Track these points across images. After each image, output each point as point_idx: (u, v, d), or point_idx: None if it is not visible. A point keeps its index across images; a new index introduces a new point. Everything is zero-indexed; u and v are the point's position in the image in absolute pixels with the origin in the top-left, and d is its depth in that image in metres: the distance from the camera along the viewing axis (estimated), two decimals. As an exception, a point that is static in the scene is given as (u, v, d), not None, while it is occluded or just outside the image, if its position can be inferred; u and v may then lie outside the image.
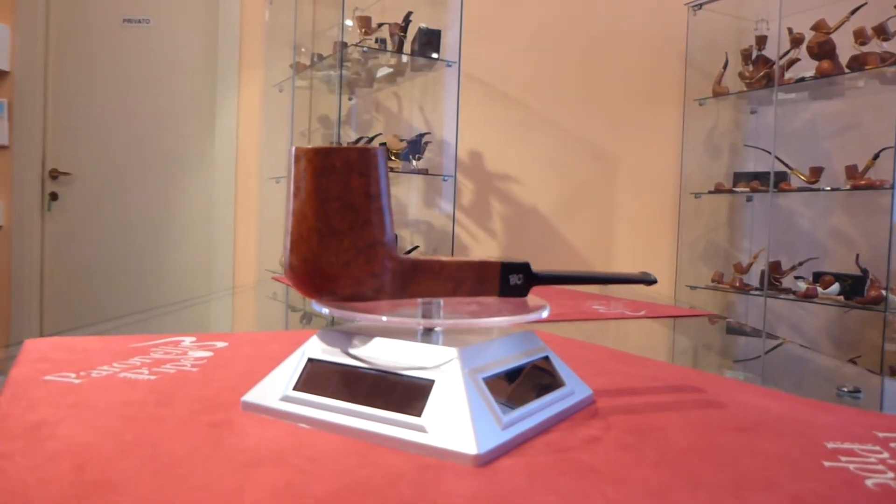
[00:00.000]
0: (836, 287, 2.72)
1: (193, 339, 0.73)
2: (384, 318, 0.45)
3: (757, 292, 2.89)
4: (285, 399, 0.46)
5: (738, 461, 0.40)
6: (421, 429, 0.41)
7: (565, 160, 3.20)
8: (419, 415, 0.41)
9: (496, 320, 0.47)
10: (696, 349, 0.96)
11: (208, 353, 0.65)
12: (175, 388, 0.52)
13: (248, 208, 3.30)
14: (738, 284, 2.97)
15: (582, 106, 3.18)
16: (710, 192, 3.06)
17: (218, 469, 0.36)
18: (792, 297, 2.74)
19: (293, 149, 0.48)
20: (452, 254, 3.09)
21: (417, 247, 3.09)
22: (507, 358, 0.47)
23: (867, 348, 2.87)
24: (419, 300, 0.50)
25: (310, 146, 0.47)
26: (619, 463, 0.39)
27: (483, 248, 3.20)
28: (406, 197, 3.28)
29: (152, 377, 0.55)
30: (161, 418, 0.45)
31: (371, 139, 3.07)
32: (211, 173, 3.33)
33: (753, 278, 3.01)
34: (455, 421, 0.40)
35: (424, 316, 0.50)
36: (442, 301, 0.50)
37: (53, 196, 3.30)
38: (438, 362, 0.43)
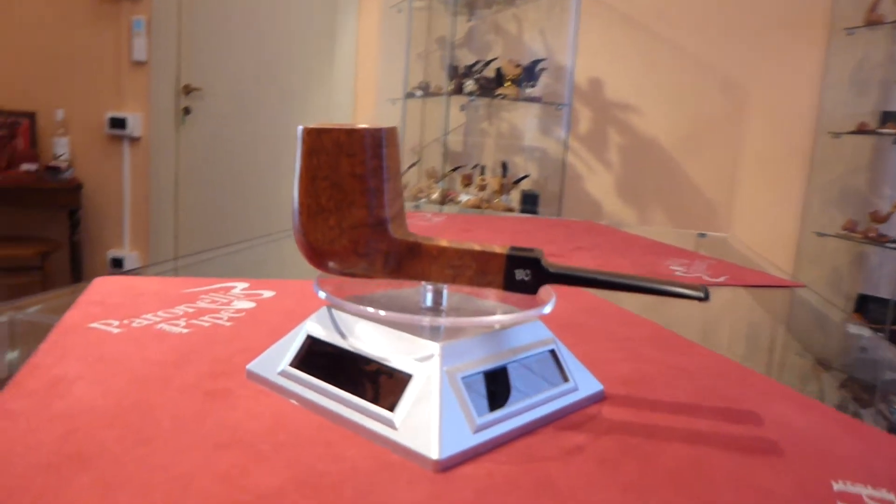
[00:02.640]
0: None
1: (246, 285, 0.76)
2: (370, 310, 0.45)
3: (894, 245, 2.66)
4: (282, 374, 0.48)
5: (718, 497, 0.38)
6: (391, 424, 0.41)
7: (691, 91, 3.01)
8: (392, 409, 0.41)
9: (477, 320, 0.46)
10: (764, 332, 0.90)
11: (250, 305, 0.68)
12: (199, 346, 0.55)
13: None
14: (872, 235, 2.73)
15: (713, 32, 2.95)
16: (851, 133, 2.79)
17: (187, 448, 0.38)
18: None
19: (300, 127, 0.48)
20: (563, 184, 3.03)
21: (527, 175, 3.04)
22: (499, 354, 0.46)
23: None
24: (423, 283, 0.50)
25: (307, 126, 0.47)
26: (586, 482, 0.38)
27: (597, 179, 3.11)
28: (522, 123, 3.22)
29: (185, 331, 0.58)
30: (168, 381, 0.47)
31: (487, 63, 3.01)
32: (330, 93, 3.39)
33: (892, 229, 2.76)
34: (424, 421, 0.40)
35: (425, 301, 0.50)
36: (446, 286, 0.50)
37: (186, 110, 3.48)
38: (420, 356, 0.43)
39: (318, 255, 0.48)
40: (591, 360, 0.59)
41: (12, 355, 0.58)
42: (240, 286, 0.75)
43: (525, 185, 3.01)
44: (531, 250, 0.47)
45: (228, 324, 0.61)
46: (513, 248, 0.47)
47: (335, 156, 0.47)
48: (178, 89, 3.44)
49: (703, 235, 1.61)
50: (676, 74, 3.01)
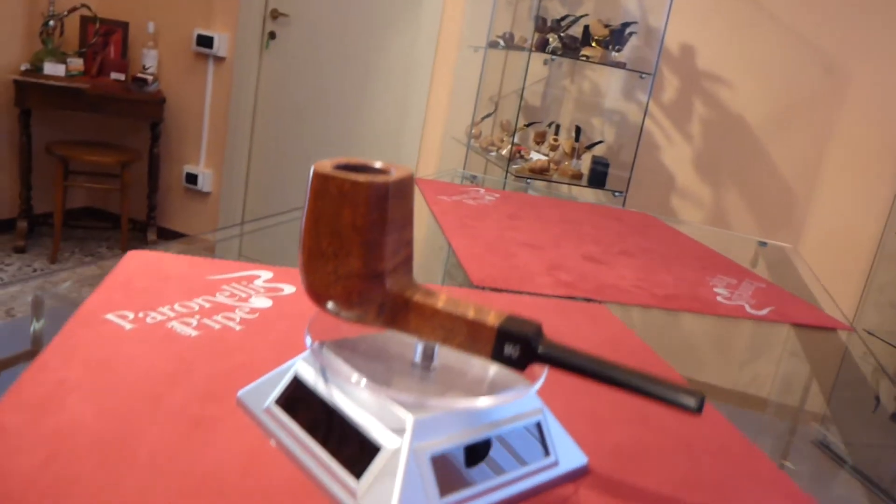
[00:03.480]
0: None
1: (270, 275, 0.77)
2: (353, 379, 0.45)
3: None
4: (267, 411, 0.49)
5: None
6: (354, 494, 0.41)
7: (788, 68, 2.83)
8: (358, 477, 0.42)
9: (455, 403, 0.45)
10: (799, 373, 0.87)
11: (267, 304, 0.69)
12: (202, 355, 0.56)
13: (443, 74, 3.30)
14: (963, 246, 2.57)
15: (820, 6, 2.75)
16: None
17: (154, 493, 0.40)
18: None
19: (312, 167, 0.48)
20: (636, 152, 2.94)
21: (601, 142, 2.96)
22: (478, 428, 0.45)
23: None
24: (416, 340, 0.50)
25: (317, 169, 0.47)
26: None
27: (673, 150, 3.00)
28: (604, 84, 3.11)
29: (195, 333, 0.60)
30: (160, 401, 0.49)
31: (576, 19, 2.90)
32: (414, 35, 3.34)
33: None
34: (384, 497, 0.40)
35: (415, 355, 0.50)
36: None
37: (272, 35, 3.49)
38: (394, 426, 0.43)
39: (315, 296, 0.48)
40: (589, 419, 0.58)
41: (37, 325, 0.62)
42: (263, 276, 0.77)
43: (597, 150, 2.93)
44: (529, 324, 0.46)
45: (239, 328, 0.63)
46: (509, 319, 0.46)
47: (338, 204, 0.46)
48: (266, 13, 3.45)
49: (763, 244, 1.54)
50: (773, 48, 2.84)
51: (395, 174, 0.48)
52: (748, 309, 0.97)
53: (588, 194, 3.08)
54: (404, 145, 3.39)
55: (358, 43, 3.42)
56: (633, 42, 2.89)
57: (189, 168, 3.63)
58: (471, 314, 0.47)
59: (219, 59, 3.52)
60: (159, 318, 0.62)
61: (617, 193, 2.87)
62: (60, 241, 3.28)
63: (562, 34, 2.83)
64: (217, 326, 0.62)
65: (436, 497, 0.42)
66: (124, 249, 3.31)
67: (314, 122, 3.52)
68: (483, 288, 0.87)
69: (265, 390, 0.50)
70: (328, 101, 3.49)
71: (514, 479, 0.46)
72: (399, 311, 0.48)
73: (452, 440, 0.44)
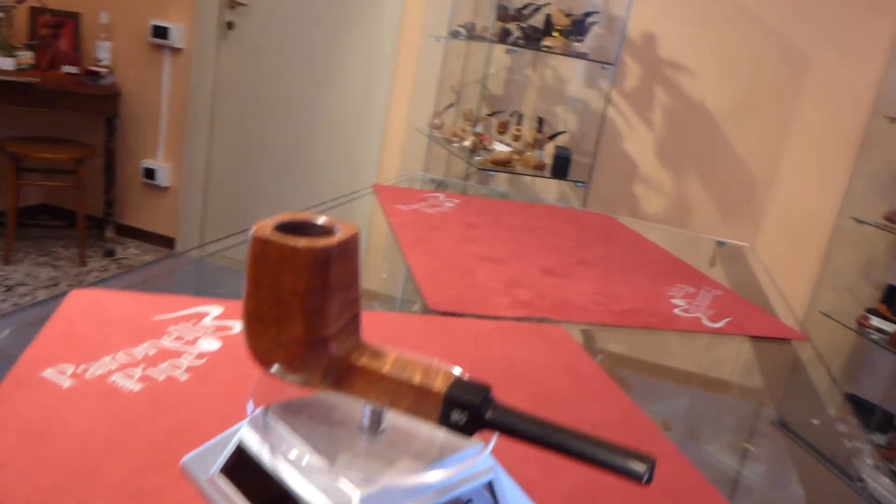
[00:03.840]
0: None
1: (220, 311, 0.75)
2: (296, 455, 0.44)
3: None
4: (210, 482, 0.47)
5: None
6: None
7: (748, 56, 2.85)
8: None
9: (404, 477, 0.44)
10: (753, 381, 0.88)
11: (216, 346, 0.68)
12: (146, 414, 0.55)
13: (406, 64, 3.27)
14: (915, 230, 2.63)
15: (779, -6, 2.77)
16: (909, 122, 2.64)
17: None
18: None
19: (252, 228, 0.46)
20: (598, 142, 2.94)
21: (563, 132, 2.96)
22: (430, 496, 0.45)
23: None
24: (364, 404, 0.49)
25: (257, 234, 0.45)
26: None
27: (636, 138, 3.01)
28: (566, 73, 3.11)
29: (138, 387, 0.58)
30: (98, 474, 0.47)
31: (538, 8, 2.88)
32: (377, 24, 3.30)
33: (936, 226, 2.64)
34: (328, 581, 0.39)
35: (363, 418, 0.49)
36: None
37: (230, 25, 3.42)
38: (341, 503, 0.42)
39: (258, 360, 0.47)
40: (541, 464, 0.58)
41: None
42: (213, 312, 0.75)
43: (560, 140, 2.93)
44: (477, 388, 0.45)
45: (185, 377, 0.61)
46: (456, 385, 0.45)
47: (278, 269, 0.45)
48: (223, 2, 3.37)
49: (722, 244, 1.56)
50: (734, 37, 2.86)
51: (339, 235, 0.46)
52: (705, 321, 0.98)
53: (551, 185, 3.08)
54: (367, 136, 3.36)
55: (319, 32, 3.36)
56: (595, 31, 2.88)
57: (147, 163, 3.55)
58: (417, 379, 0.46)
59: (175, 51, 3.43)
60: (100, 371, 0.60)
61: (579, 184, 2.87)
62: (14, 241, 3.19)
63: (523, 25, 2.82)
64: (161, 377, 0.61)
65: (382, 577, 0.41)
66: (81, 247, 3.24)
67: (275, 113, 3.46)
68: (440, 312, 0.87)
69: (210, 458, 0.49)
70: (289, 91, 3.43)
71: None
72: (344, 374, 0.47)
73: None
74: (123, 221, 3.66)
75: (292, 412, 0.49)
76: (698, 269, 1.27)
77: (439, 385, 0.45)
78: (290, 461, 0.45)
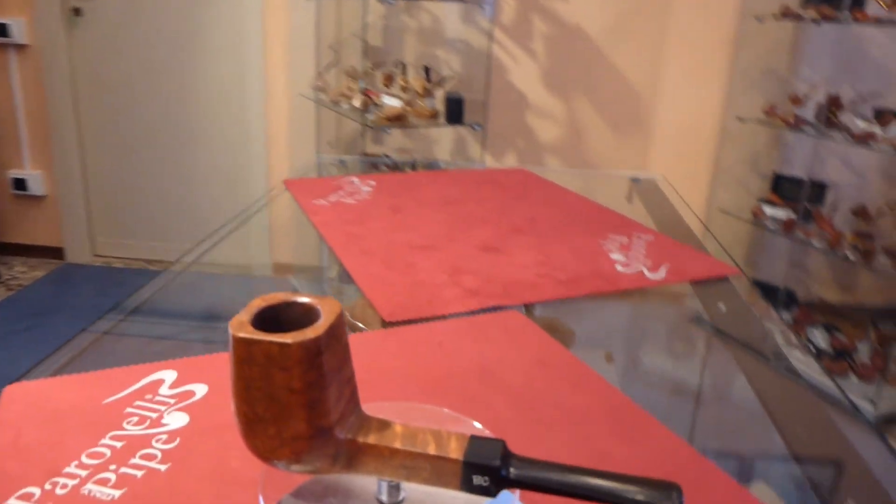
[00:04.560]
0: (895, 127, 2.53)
1: (174, 376, 0.71)
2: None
3: (811, 130, 2.71)
4: None
5: None
6: None
7: (617, -25, 2.88)
8: None
9: None
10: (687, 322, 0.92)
11: (183, 420, 0.64)
12: (135, 526, 0.51)
13: (275, 26, 3.11)
14: (790, 119, 2.78)
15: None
16: (774, 16, 2.75)
17: None
18: (847, 137, 2.57)
19: (229, 330, 0.43)
20: (487, 80, 2.92)
21: (451, 76, 2.92)
22: None
23: (921, 198, 2.74)
24: (378, 479, 0.47)
25: (235, 334, 0.42)
26: None
27: (524, 69, 3.01)
28: (444, 16, 3.05)
29: (117, 493, 0.54)
30: None
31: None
32: (232, -11, 3.11)
33: (809, 112, 2.81)
34: None
35: (380, 493, 0.47)
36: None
37: (77, 11, 3.14)
38: None
39: (261, 458, 0.45)
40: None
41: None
42: (167, 378, 0.70)
43: (449, 85, 2.89)
44: (493, 446, 0.44)
45: (164, 467, 0.57)
46: (472, 447, 0.44)
47: (267, 369, 0.42)
48: (62, -13, 3.09)
49: (636, 181, 1.60)
50: (602, -44, 2.87)
51: (324, 319, 0.44)
52: (647, 274, 1.00)
53: (448, 132, 3.06)
54: (249, 107, 3.21)
55: (176, 4, 3.14)
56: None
57: (14, 173, 3.28)
58: (431, 450, 0.44)
59: (20, 48, 3.14)
60: (71, 482, 0.55)
61: (476, 127, 2.86)
62: None
63: (392, -29, 2.72)
64: (139, 473, 0.56)
65: None
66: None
67: (145, 100, 3.25)
68: (396, 323, 0.85)
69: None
70: (156, 75, 3.22)
71: None
72: (354, 456, 0.45)
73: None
74: (1, 240, 3.39)
75: (305, 499, 0.47)
76: (621, 213, 1.29)
77: (455, 451, 0.44)
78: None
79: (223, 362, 0.73)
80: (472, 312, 0.88)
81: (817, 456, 0.74)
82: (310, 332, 0.42)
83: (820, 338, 2.80)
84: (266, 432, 0.44)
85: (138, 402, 0.66)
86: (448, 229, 1.16)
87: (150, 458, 0.59)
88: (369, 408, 0.49)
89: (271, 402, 0.43)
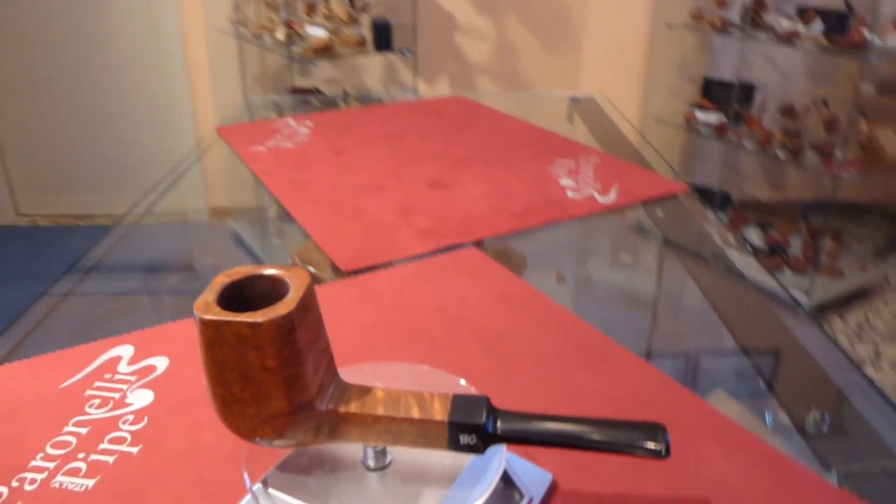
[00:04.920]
0: (818, 24, 2.57)
1: (131, 352, 0.68)
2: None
3: (737, 32, 2.73)
4: (230, 575, 0.45)
5: None
6: None
7: None
8: None
9: None
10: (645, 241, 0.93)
11: (148, 397, 0.62)
12: (115, 515, 0.49)
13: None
14: (716, 22, 2.79)
15: None
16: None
17: None
18: (772, 37, 2.60)
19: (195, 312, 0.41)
20: (416, 3, 2.83)
21: (371, 3, 2.81)
22: None
23: (840, 91, 2.82)
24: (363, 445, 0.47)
25: (202, 316, 0.40)
26: None
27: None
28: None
29: (90, 482, 0.52)
30: None
31: None
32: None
33: (735, 14, 2.82)
34: None
35: (366, 458, 0.47)
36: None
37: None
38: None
39: (241, 436, 0.43)
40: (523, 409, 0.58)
41: None
42: (124, 355, 0.67)
43: (374, 10, 2.79)
44: (478, 404, 0.44)
45: (136, 450, 0.56)
46: (456, 407, 0.44)
47: (239, 349, 0.40)
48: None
49: (576, 101, 1.58)
50: None
51: (293, 292, 0.42)
52: (598, 198, 1.00)
53: (377, 61, 2.97)
54: (165, 46, 3.04)
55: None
56: None
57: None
58: (415, 413, 0.44)
59: None
60: (39, 476, 0.53)
61: (407, 53, 2.78)
62: None
63: None
64: (111, 459, 0.55)
65: None
66: None
67: (58, 44, 3.04)
68: (353, 273, 0.83)
69: (216, 549, 0.45)
70: (66, 14, 3.00)
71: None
72: (337, 426, 0.44)
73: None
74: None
75: (293, 475, 0.46)
76: (564, 135, 1.29)
77: (439, 413, 0.44)
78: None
79: (179, 332, 0.71)
80: (429, 254, 0.87)
81: (761, 347, 0.77)
82: (280, 308, 0.40)
83: (755, 236, 2.90)
84: (245, 413, 0.42)
85: (98, 384, 0.63)
86: (393, 167, 1.14)
87: (120, 441, 0.57)
88: (347, 372, 0.48)
89: (247, 382, 0.41)
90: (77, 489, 0.52)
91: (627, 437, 0.42)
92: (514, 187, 1.05)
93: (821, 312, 2.63)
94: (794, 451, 0.58)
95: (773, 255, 2.78)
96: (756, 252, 2.84)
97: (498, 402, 0.57)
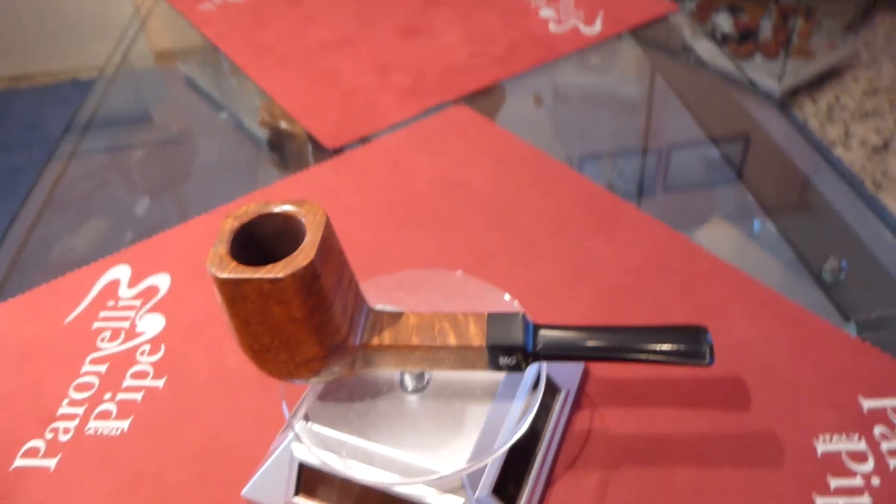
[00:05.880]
0: None
1: (129, 270, 0.65)
2: (366, 457, 0.42)
3: None
4: (290, 505, 0.45)
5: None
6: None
7: None
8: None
9: (478, 435, 0.43)
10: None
11: (159, 323, 0.60)
12: (155, 453, 0.49)
13: None
14: None
15: None
16: None
17: None
18: None
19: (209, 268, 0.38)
20: None
21: None
22: (515, 427, 0.44)
23: None
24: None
25: (218, 274, 0.37)
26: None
27: None
28: None
29: (125, 423, 0.52)
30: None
31: None
32: None
33: None
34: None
35: (404, 384, 0.46)
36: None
37: None
38: (446, 488, 0.42)
39: (278, 379, 0.42)
40: (546, 291, 0.58)
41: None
42: (122, 277, 0.65)
43: None
44: (514, 323, 0.42)
45: (160, 383, 0.55)
46: (493, 329, 0.42)
47: (263, 304, 0.38)
48: None
49: None
50: None
51: (311, 234, 0.38)
52: (583, 30, 0.94)
53: None
54: None
55: None
56: None
57: None
58: (451, 340, 0.42)
59: None
60: (71, 425, 0.52)
61: None
62: None
63: None
64: (139, 396, 0.54)
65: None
66: None
67: None
68: (341, 149, 0.79)
69: (271, 483, 0.46)
70: None
71: (549, 440, 0.47)
72: (373, 356, 0.43)
73: (496, 463, 0.44)
74: None
75: (332, 406, 0.46)
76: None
77: (476, 337, 0.42)
78: (367, 461, 0.43)
79: (175, 244, 0.68)
80: (415, 117, 0.82)
81: (729, 135, 0.78)
82: (300, 259, 0.37)
83: (724, 22, 2.80)
84: (278, 359, 0.41)
85: (103, 313, 0.61)
86: (357, 14, 1.04)
87: (143, 375, 0.56)
88: (372, 288, 0.47)
89: (276, 332, 0.39)
90: (114, 433, 0.51)
91: (670, 344, 0.42)
92: (492, 26, 0.98)
93: (792, 97, 2.62)
94: (811, 300, 0.59)
95: (743, 41, 2.71)
96: (725, 39, 2.76)
97: (518, 286, 0.57)
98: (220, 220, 0.70)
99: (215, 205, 0.72)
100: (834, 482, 0.44)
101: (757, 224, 0.69)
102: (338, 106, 0.85)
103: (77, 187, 0.83)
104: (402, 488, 0.42)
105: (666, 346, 0.41)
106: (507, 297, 0.50)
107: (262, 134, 0.88)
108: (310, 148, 0.81)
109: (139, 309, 0.61)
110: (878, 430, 0.47)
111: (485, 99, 0.85)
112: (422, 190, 0.71)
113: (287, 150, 0.85)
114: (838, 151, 2.41)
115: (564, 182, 0.71)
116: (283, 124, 0.86)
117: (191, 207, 0.77)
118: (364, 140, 0.79)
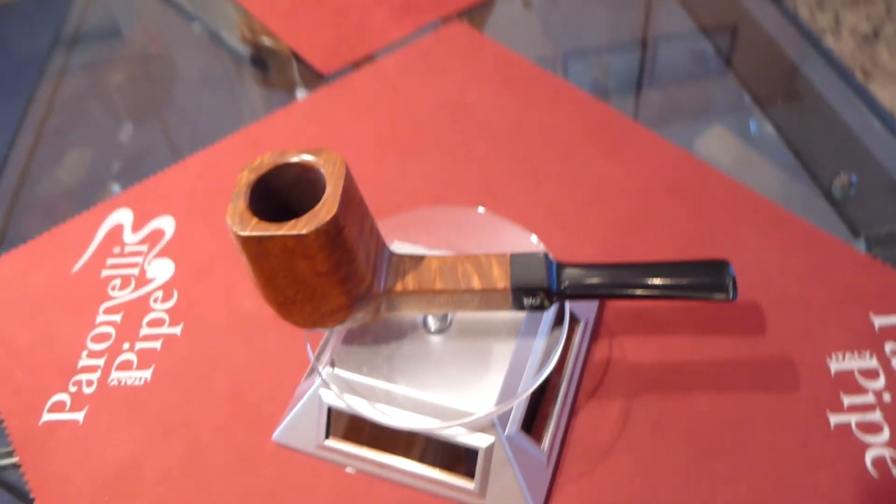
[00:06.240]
0: None
1: (131, 214, 0.64)
2: (395, 400, 0.43)
3: None
4: (323, 448, 0.46)
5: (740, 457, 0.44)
6: (478, 494, 0.43)
7: None
8: (472, 479, 0.43)
9: (505, 375, 0.43)
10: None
11: (169, 268, 0.59)
12: (176, 403, 0.50)
13: None
14: None
15: None
16: None
17: None
18: None
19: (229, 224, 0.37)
20: None
21: None
22: (537, 372, 0.45)
23: None
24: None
25: (239, 232, 0.36)
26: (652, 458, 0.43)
27: None
28: None
29: (147, 373, 0.52)
30: (204, 478, 0.45)
31: None
32: None
33: None
34: (509, 490, 0.42)
35: (427, 325, 0.46)
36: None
37: None
38: (476, 427, 0.43)
39: (304, 328, 0.42)
40: (559, 217, 0.58)
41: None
42: (124, 221, 0.63)
43: None
44: (537, 262, 0.42)
45: (178, 330, 0.55)
46: (517, 271, 0.42)
47: (288, 260, 0.38)
48: None
49: None
50: None
51: (332, 186, 0.38)
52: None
53: None
54: None
55: None
56: None
57: None
58: (475, 283, 0.42)
59: None
60: (94, 377, 0.53)
61: None
62: None
63: None
64: (158, 345, 0.54)
65: (542, 456, 0.44)
66: None
67: None
68: (335, 75, 0.76)
69: (302, 427, 0.47)
70: None
71: (570, 373, 0.48)
72: (397, 301, 0.43)
73: (522, 403, 0.44)
74: None
75: (356, 350, 0.46)
76: None
77: (501, 279, 0.42)
78: (395, 405, 0.44)
79: (176, 184, 0.67)
80: (411, 35, 0.79)
81: (719, 25, 0.77)
82: (324, 213, 0.37)
83: None
84: (303, 311, 0.40)
85: (110, 260, 0.60)
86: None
87: (159, 323, 0.55)
88: (390, 228, 0.46)
89: (300, 285, 0.39)
90: (138, 383, 0.52)
91: (694, 279, 0.42)
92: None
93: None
94: (817, 212, 0.59)
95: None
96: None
97: (530, 213, 0.56)
98: (217, 158, 0.68)
99: (203, 131, 0.70)
100: (847, 399, 0.46)
101: (753, 125, 0.69)
102: (330, 27, 0.81)
103: (55, 117, 0.80)
104: (437, 431, 0.43)
105: (690, 282, 0.42)
106: (533, 238, 0.50)
107: (243, 49, 0.85)
108: (294, 64, 0.79)
109: (146, 254, 0.60)
110: (888, 346, 0.48)
111: (476, 9, 0.82)
112: (424, 117, 0.69)
113: (271, 66, 0.82)
114: (828, 41, 2.36)
115: (569, 101, 0.69)
116: (266, 40, 0.83)
117: (178, 133, 0.75)
118: (358, 64, 0.77)
